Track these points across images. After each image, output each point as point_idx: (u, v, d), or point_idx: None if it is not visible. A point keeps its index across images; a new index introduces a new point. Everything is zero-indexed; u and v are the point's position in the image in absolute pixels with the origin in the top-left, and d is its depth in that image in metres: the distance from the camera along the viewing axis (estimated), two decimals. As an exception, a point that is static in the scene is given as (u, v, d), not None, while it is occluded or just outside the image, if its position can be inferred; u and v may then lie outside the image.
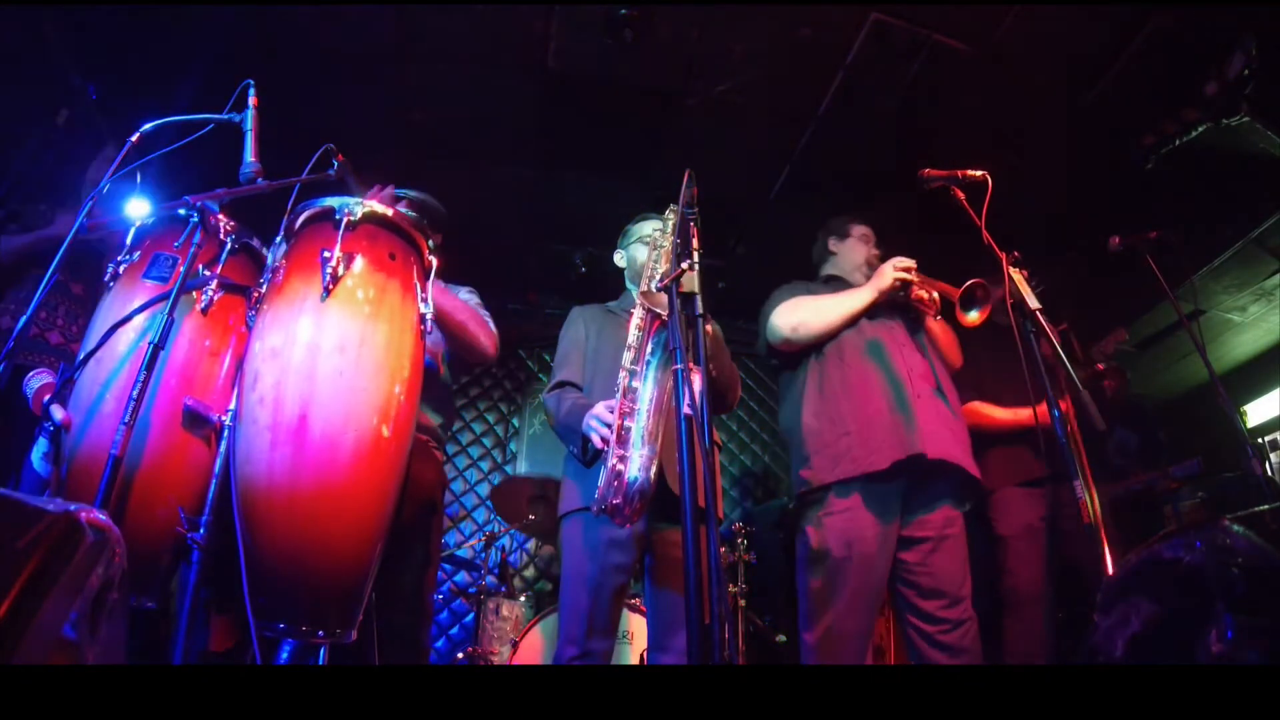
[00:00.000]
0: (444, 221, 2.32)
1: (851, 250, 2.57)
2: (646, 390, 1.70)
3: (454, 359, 2.19)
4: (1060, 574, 2.53)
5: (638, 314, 1.84)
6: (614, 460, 1.67)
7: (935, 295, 2.31)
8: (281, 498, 1.29)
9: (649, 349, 1.73)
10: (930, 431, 2.06)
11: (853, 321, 2.27)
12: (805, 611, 2.11)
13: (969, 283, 2.14)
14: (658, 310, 1.70)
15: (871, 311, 2.31)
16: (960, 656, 1.99)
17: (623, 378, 1.75)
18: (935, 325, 2.39)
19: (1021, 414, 2.64)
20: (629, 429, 1.68)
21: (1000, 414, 2.69)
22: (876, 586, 2.05)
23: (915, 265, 2.27)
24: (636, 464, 1.64)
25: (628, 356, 1.79)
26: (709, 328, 1.75)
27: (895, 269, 2.24)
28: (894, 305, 2.37)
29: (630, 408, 1.71)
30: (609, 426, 1.74)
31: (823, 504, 2.12)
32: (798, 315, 2.30)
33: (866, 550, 2.03)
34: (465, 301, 2.19)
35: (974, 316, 2.14)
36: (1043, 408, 2.43)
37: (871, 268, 2.40)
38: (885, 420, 2.09)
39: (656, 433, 1.68)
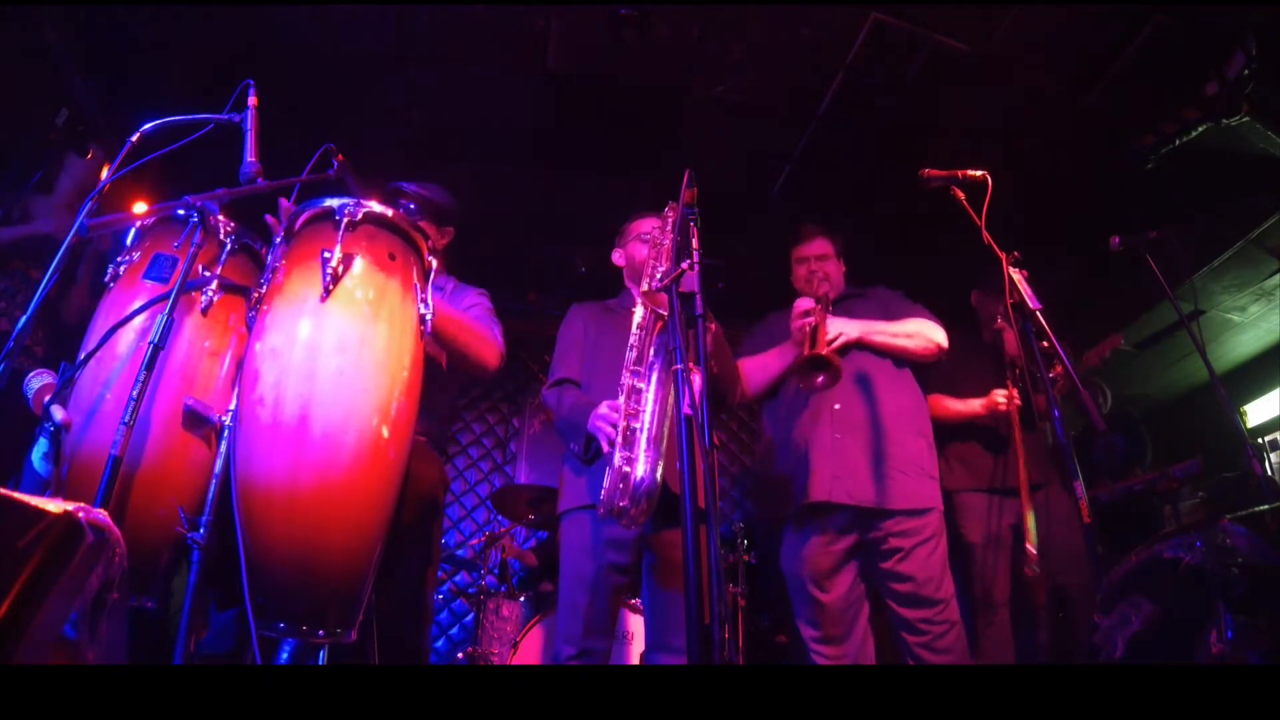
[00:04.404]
0: (454, 215, 2.30)
1: (796, 277, 2.57)
2: (650, 392, 1.70)
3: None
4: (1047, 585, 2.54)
5: (639, 314, 1.84)
6: (619, 462, 1.67)
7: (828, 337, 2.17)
8: (281, 498, 1.29)
9: (651, 350, 1.73)
10: (839, 476, 2.13)
11: (782, 377, 2.35)
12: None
13: (810, 357, 2.04)
14: (660, 311, 1.70)
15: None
16: (945, 657, 2.03)
17: (626, 378, 1.75)
18: (890, 345, 2.30)
19: (972, 404, 2.65)
20: (634, 430, 1.68)
21: (953, 405, 2.69)
22: (826, 598, 2.14)
23: (813, 303, 2.21)
24: (642, 465, 1.64)
25: (630, 357, 1.79)
26: (711, 325, 1.76)
27: (795, 319, 2.21)
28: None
29: (635, 409, 1.71)
30: (615, 427, 1.74)
31: (780, 535, 2.28)
32: (746, 371, 2.39)
33: (809, 568, 2.16)
34: (471, 310, 2.16)
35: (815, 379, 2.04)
36: (987, 402, 2.51)
37: (809, 285, 2.44)
38: (797, 467, 2.21)
39: (661, 434, 1.68)
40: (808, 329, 2.14)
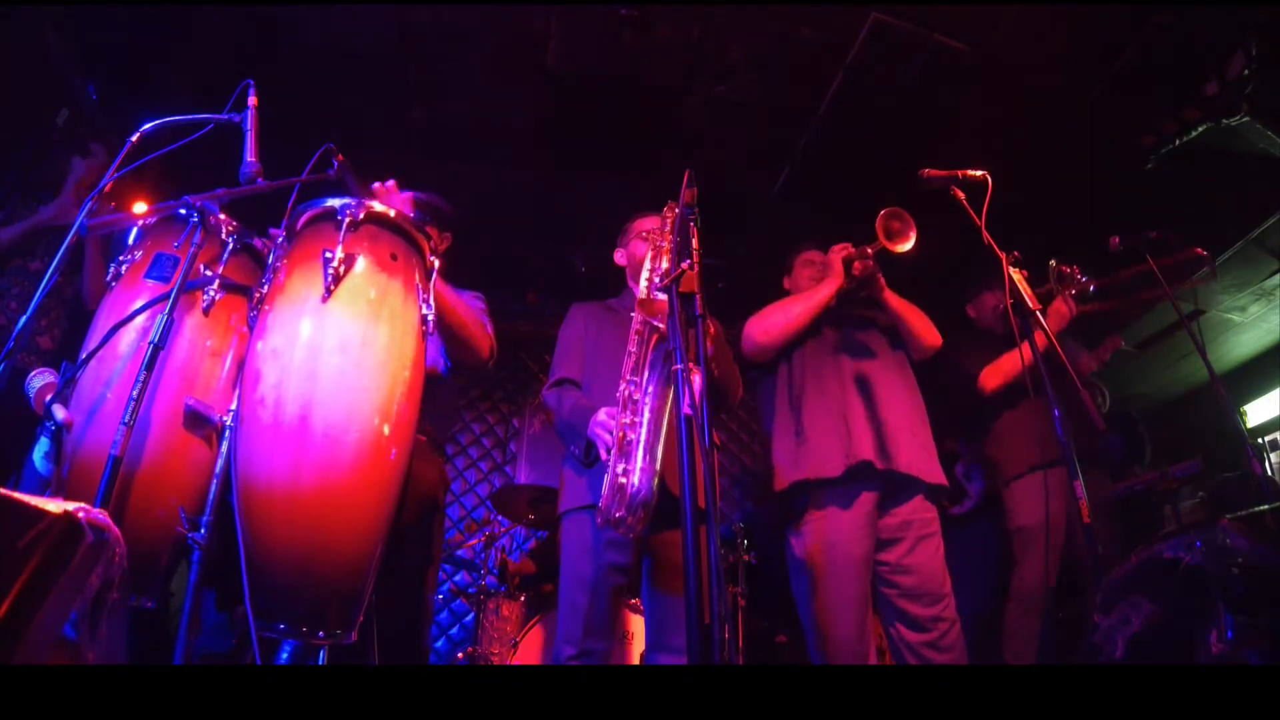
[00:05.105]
0: (452, 221, 2.31)
1: (798, 279, 2.61)
2: (647, 402, 1.70)
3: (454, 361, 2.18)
4: (1061, 570, 2.53)
5: (636, 322, 1.84)
6: (617, 473, 1.68)
7: (871, 260, 2.31)
8: (282, 498, 1.29)
9: (649, 360, 1.72)
10: (876, 439, 2.13)
11: (818, 316, 2.33)
12: (800, 614, 2.17)
13: (881, 214, 2.23)
14: (653, 322, 1.69)
15: (837, 320, 2.38)
16: (946, 655, 2.02)
17: (624, 388, 1.75)
18: (900, 309, 2.37)
19: (1016, 355, 2.59)
20: (630, 441, 1.68)
21: (1005, 363, 2.63)
22: (861, 587, 2.09)
23: (850, 244, 2.37)
24: (638, 476, 1.65)
25: (628, 365, 1.78)
26: (711, 328, 1.75)
27: (835, 252, 2.35)
28: (854, 305, 2.43)
29: (631, 419, 1.71)
30: (613, 435, 1.74)
31: (799, 511, 2.19)
32: (767, 319, 2.38)
33: (844, 553, 2.09)
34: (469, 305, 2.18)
35: (904, 247, 2.22)
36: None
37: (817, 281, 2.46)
38: (836, 429, 2.17)
39: (658, 443, 1.68)
40: (851, 250, 2.32)
